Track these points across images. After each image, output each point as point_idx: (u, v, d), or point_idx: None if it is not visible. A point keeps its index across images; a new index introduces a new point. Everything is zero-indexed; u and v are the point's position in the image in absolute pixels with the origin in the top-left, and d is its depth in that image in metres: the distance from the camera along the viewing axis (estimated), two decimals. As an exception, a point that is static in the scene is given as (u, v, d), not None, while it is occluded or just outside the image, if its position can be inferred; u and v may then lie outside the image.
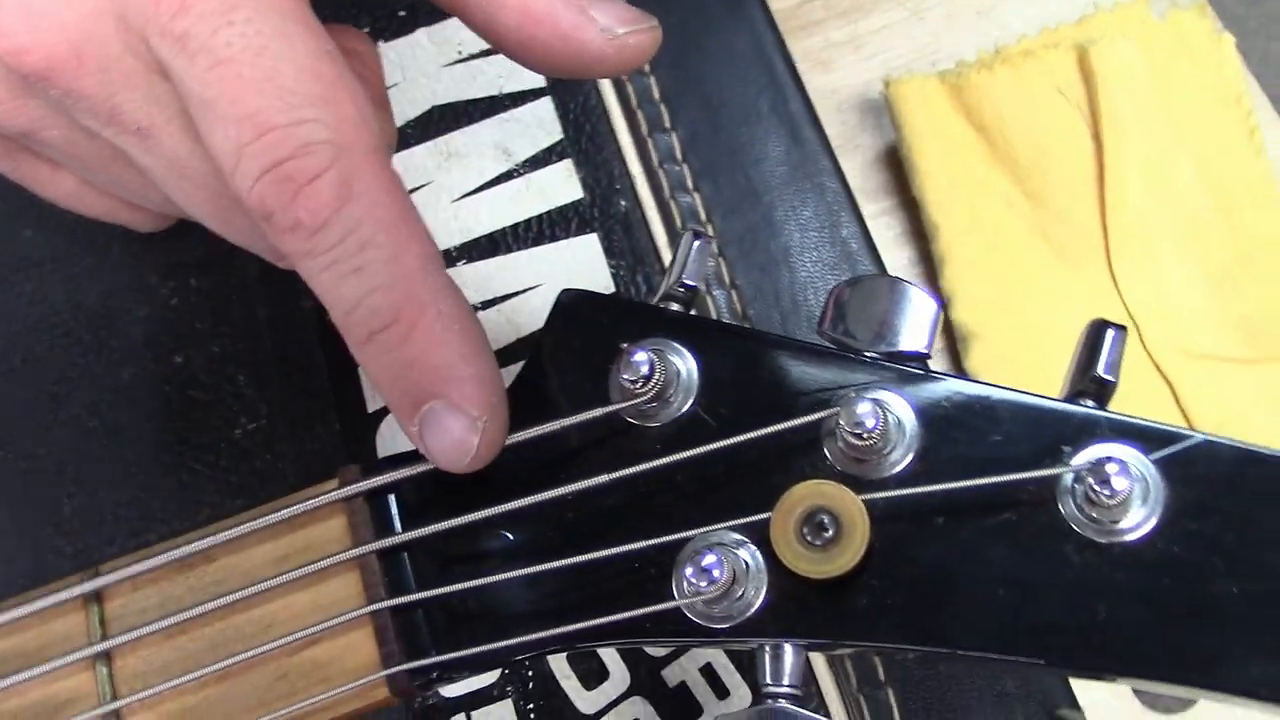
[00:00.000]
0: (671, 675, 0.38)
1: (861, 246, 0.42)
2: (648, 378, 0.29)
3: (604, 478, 0.29)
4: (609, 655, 0.38)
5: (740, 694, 0.37)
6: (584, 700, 0.38)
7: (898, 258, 0.50)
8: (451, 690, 0.38)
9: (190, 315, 0.44)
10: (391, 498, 0.30)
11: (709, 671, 0.37)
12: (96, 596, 0.30)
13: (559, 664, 0.38)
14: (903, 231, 0.53)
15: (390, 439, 0.42)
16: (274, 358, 0.43)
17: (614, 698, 0.38)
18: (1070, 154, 0.51)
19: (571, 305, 0.31)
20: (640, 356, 0.29)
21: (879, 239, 0.48)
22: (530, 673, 0.38)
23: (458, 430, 0.28)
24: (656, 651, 0.38)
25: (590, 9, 0.31)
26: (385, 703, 0.29)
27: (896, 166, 0.53)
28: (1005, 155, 0.52)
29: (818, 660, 0.37)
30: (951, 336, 0.49)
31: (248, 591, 0.29)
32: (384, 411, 0.42)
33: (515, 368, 0.31)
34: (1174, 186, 0.50)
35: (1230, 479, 0.26)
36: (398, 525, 0.30)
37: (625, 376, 0.29)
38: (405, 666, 0.28)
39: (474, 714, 0.38)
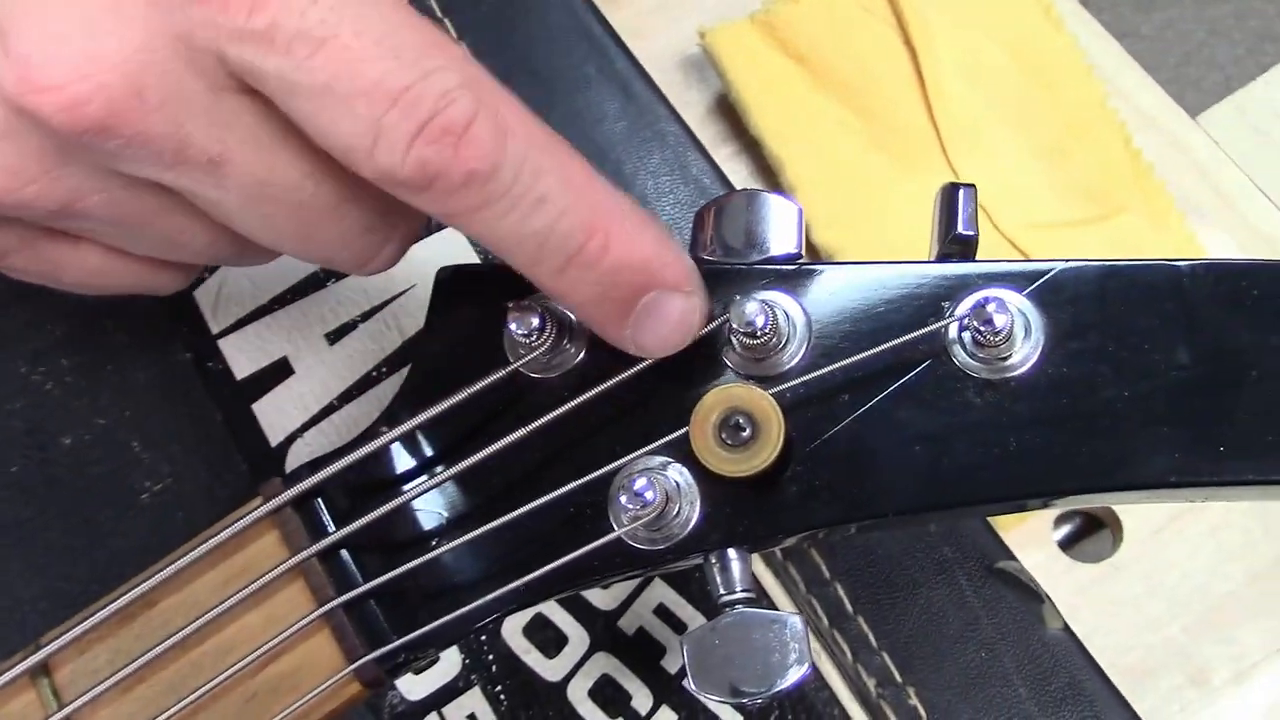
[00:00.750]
0: (628, 624, 0.38)
1: (714, 180, 0.43)
2: (540, 329, 0.29)
3: (520, 432, 0.29)
4: (564, 619, 0.39)
5: (698, 622, 0.38)
6: (549, 669, 0.38)
7: (751, 195, 0.52)
8: (418, 692, 0.38)
9: (68, 395, 0.43)
10: (319, 501, 0.30)
11: (663, 611, 0.38)
12: (44, 669, 0.29)
13: (517, 639, 0.38)
14: (750, 172, 0.54)
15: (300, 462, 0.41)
16: (164, 416, 0.43)
17: (577, 659, 0.38)
18: (888, 66, 0.53)
19: (451, 280, 0.32)
20: (529, 309, 0.29)
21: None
22: (491, 656, 0.38)
23: (678, 309, 0.28)
24: (608, 604, 0.39)
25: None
26: (360, 696, 0.29)
27: (730, 113, 0.55)
28: (828, 80, 0.53)
29: (764, 574, 0.38)
30: (818, 258, 0.51)
31: (196, 624, 0.29)
32: (289, 441, 0.42)
33: (403, 372, 0.31)
34: (989, 74, 0.52)
35: (1097, 294, 0.28)
36: (330, 526, 0.30)
37: (519, 333, 0.29)
38: (369, 657, 0.29)
39: (445, 710, 0.38)
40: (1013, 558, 0.37)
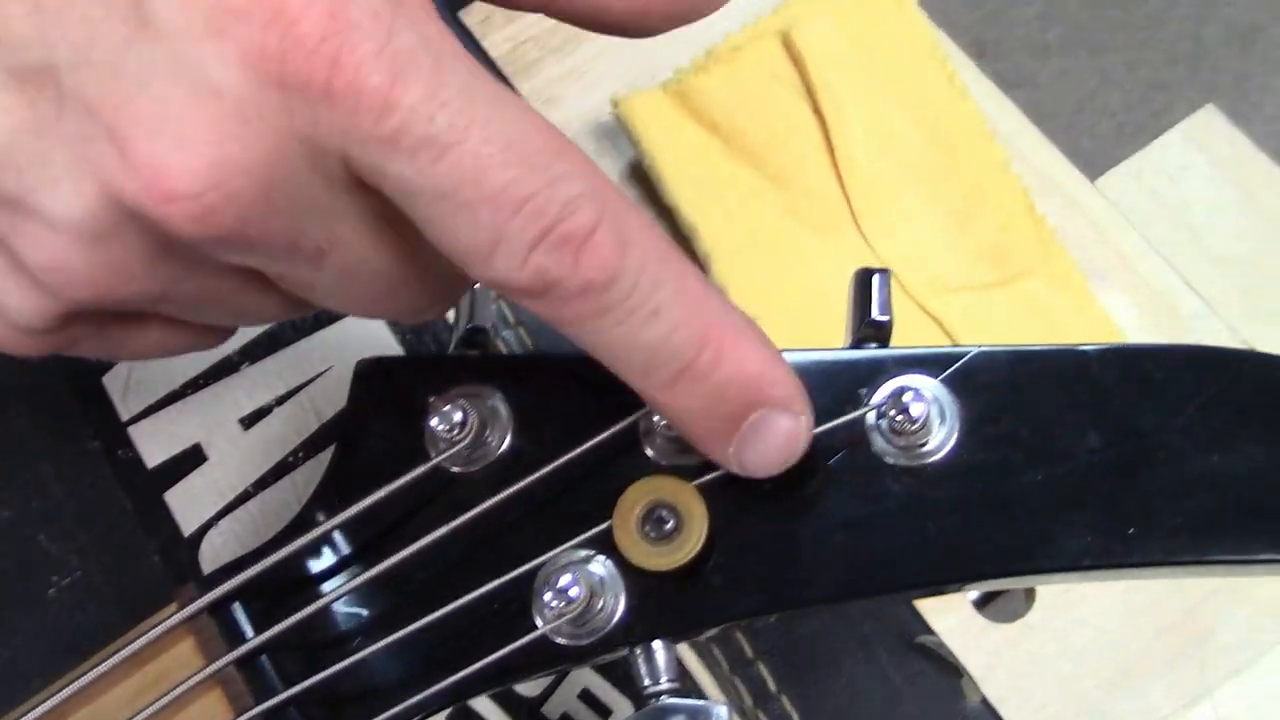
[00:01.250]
0: (552, 710, 0.38)
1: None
2: (462, 423, 0.29)
3: (442, 530, 0.29)
4: (487, 708, 0.38)
5: (622, 706, 0.37)
6: (473, 759, 0.38)
7: (665, 264, 0.52)
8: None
9: (-31, 487, 0.42)
10: (236, 606, 0.29)
11: (587, 696, 0.38)
12: (-54, 791, 0.28)
13: (440, 731, 0.38)
14: (664, 239, 0.55)
15: (213, 557, 0.41)
16: (71, 507, 0.42)
17: (502, 748, 0.38)
18: (798, 133, 0.54)
19: (370, 373, 0.31)
20: (450, 406, 0.29)
21: (644, 251, 0.50)
22: (413, 748, 0.37)
23: (785, 427, 0.28)
24: (531, 692, 0.38)
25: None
26: (279, 809, 0.28)
27: (644, 180, 0.55)
28: (741, 148, 0.54)
29: (688, 656, 0.38)
30: (733, 325, 0.51)
31: (109, 739, 0.28)
32: (203, 530, 0.41)
33: (327, 454, 0.31)
34: (897, 141, 0.53)
35: (1008, 380, 0.29)
36: (248, 631, 0.29)
37: (440, 428, 0.29)
38: (291, 767, 0.28)
39: (367, 805, 0.37)
40: (931, 632, 0.37)
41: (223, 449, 0.42)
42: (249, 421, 0.42)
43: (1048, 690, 0.46)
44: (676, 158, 0.54)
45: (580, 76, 0.59)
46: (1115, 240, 0.53)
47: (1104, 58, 1.34)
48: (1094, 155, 0.56)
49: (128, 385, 0.43)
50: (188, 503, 0.41)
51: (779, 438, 0.28)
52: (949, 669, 0.37)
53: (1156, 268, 0.52)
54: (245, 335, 0.44)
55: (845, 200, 0.53)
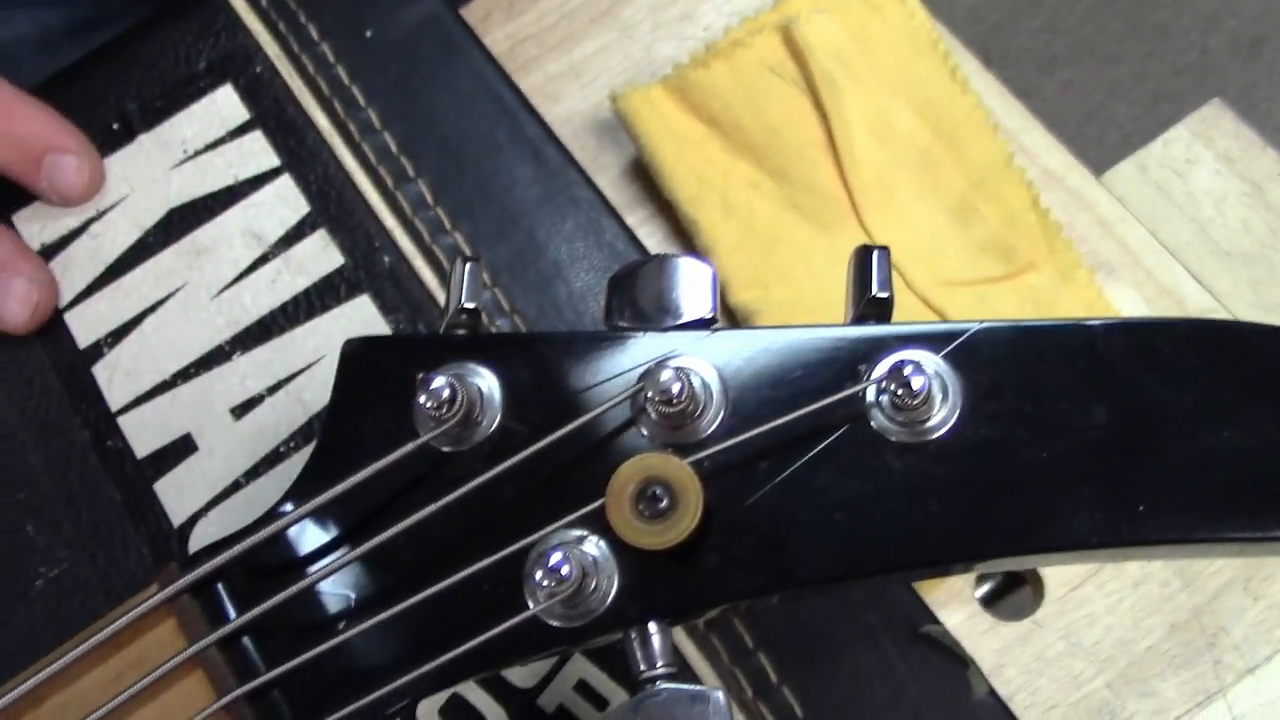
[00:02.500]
0: (548, 701, 0.37)
1: (628, 245, 0.43)
2: (451, 400, 0.29)
3: (429, 508, 0.28)
4: (481, 699, 0.37)
5: (619, 698, 0.37)
6: (465, 752, 0.37)
7: (666, 259, 0.51)
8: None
9: (-43, 478, 0.42)
10: (219, 585, 0.29)
11: (584, 687, 0.37)
12: (-81, 774, 0.28)
13: (431, 721, 0.37)
14: (665, 235, 0.54)
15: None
16: (59, 498, 0.41)
17: (495, 741, 0.37)
18: (799, 127, 0.53)
19: (358, 353, 0.31)
20: (439, 381, 0.28)
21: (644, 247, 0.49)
22: (404, 740, 0.36)
23: (73, 162, 0.45)
24: (526, 683, 0.37)
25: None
26: (261, 794, 0.27)
27: (644, 176, 0.54)
28: (740, 142, 0.54)
29: (687, 646, 0.37)
30: (734, 321, 0.50)
31: (87, 722, 0.27)
32: (192, 521, 0.40)
33: (312, 447, 0.30)
34: (897, 134, 0.53)
35: (1012, 355, 0.28)
36: (231, 612, 0.28)
37: (428, 405, 0.29)
38: (273, 751, 0.27)
39: (356, 799, 0.36)
40: (936, 621, 0.36)
41: (213, 439, 0.41)
42: (240, 411, 0.41)
43: (1057, 689, 0.45)
44: (676, 152, 0.53)
45: (579, 73, 0.58)
46: (1121, 235, 0.52)
47: (1110, 69, 1.34)
48: (1100, 163, 0.55)
49: (115, 374, 0.42)
50: (177, 493, 0.40)
51: (71, 170, 0.43)
52: (955, 659, 0.36)
53: (1163, 262, 0.51)
54: (237, 324, 0.43)
55: (847, 194, 0.52)
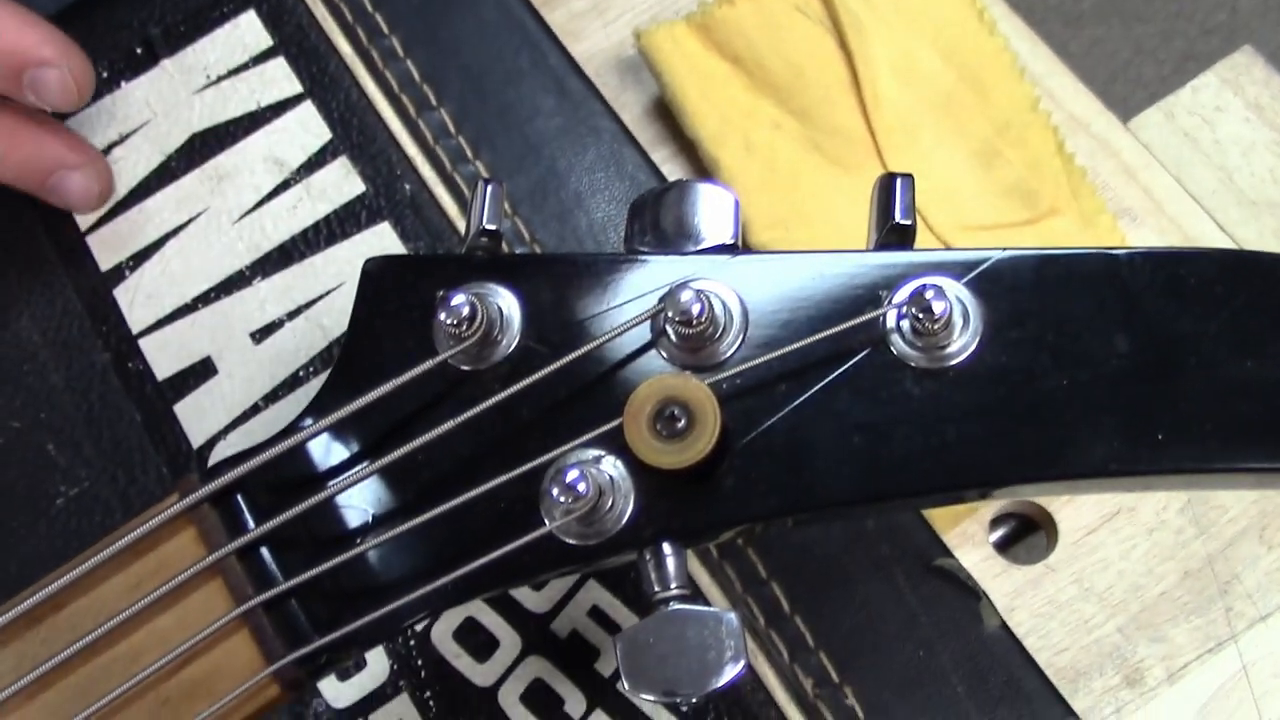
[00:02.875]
0: (561, 626, 0.37)
1: (650, 176, 0.43)
2: (470, 318, 0.29)
3: (448, 424, 0.28)
4: (495, 622, 0.37)
5: (632, 623, 0.37)
6: (479, 673, 0.37)
7: (686, 196, 0.51)
8: (344, 699, 0.37)
9: (-21, 397, 0.42)
10: (239, 497, 0.29)
11: (597, 613, 0.37)
12: (-58, 676, 0.28)
13: (447, 644, 0.37)
14: (686, 174, 0.54)
15: (222, 471, 0.40)
16: (80, 418, 0.41)
17: (509, 663, 0.37)
18: (823, 67, 0.53)
19: (379, 271, 0.31)
20: (459, 299, 0.28)
21: (665, 184, 0.49)
22: (420, 661, 0.37)
23: (55, 75, 0.41)
24: (540, 607, 0.38)
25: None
26: (280, 700, 0.28)
27: (667, 115, 0.54)
28: (764, 81, 0.53)
29: (700, 574, 0.38)
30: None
31: (105, 628, 0.27)
32: (211, 443, 0.40)
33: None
34: (922, 76, 0.52)
35: (1035, 283, 0.28)
36: (250, 523, 0.29)
37: (448, 322, 0.29)
38: (289, 658, 0.27)
39: (372, 717, 0.37)
40: (950, 555, 0.36)
41: (233, 362, 0.41)
42: (260, 336, 0.42)
43: (1067, 633, 0.45)
44: (699, 91, 0.53)
45: (603, 10, 0.58)
46: (1146, 182, 0.52)
47: (1138, 28, 1.33)
48: (1127, 111, 0.55)
49: (137, 297, 0.42)
50: (197, 416, 0.41)
51: (54, 83, 0.40)
52: (967, 592, 0.36)
53: (1188, 209, 0.51)
54: (258, 250, 0.43)
55: (870, 136, 0.52)
